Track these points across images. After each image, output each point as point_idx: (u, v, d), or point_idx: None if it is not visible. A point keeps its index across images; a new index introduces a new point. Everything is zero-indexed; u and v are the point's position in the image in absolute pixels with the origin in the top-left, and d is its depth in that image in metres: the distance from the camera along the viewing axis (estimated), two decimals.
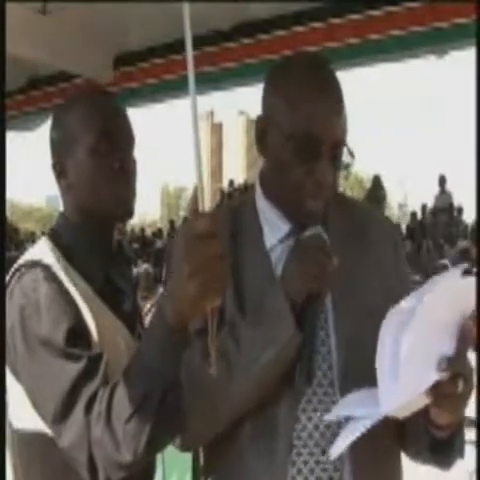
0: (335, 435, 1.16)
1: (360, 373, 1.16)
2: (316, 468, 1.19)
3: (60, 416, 1.13)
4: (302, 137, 1.18)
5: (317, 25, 4.01)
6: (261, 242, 1.27)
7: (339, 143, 1.21)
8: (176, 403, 1.08)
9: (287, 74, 1.25)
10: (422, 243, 11.69)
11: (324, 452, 1.18)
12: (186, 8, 0.96)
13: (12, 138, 6.84)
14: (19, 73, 5.16)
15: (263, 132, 1.25)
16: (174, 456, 2.98)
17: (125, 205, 1.36)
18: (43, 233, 1.50)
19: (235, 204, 1.40)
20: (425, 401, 1.03)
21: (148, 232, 18.83)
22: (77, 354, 1.16)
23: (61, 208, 1.42)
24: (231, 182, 15.99)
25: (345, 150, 1.24)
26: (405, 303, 1.04)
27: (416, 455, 1.28)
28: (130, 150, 1.38)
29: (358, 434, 1.03)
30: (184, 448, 1.26)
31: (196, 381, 1.13)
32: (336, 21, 3.96)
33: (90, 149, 1.32)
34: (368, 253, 1.29)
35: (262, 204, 1.30)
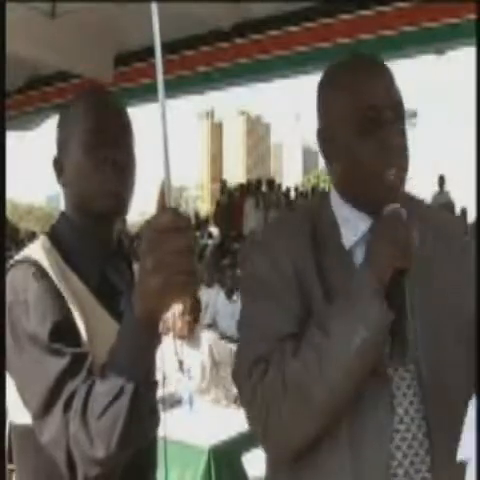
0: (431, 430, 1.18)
1: (439, 374, 1.18)
2: (410, 469, 1.19)
3: (42, 412, 1.15)
4: (362, 114, 1.21)
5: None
6: (340, 244, 1.27)
7: (395, 105, 1.24)
8: (149, 399, 1.10)
9: (334, 72, 1.30)
10: None
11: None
12: (154, 8, 0.97)
13: (12, 138, 6.83)
14: (19, 73, 5.16)
15: (327, 138, 1.28)
16: (175, 453, 2.98)
17: (116, 200, 1.35)
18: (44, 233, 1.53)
19: (311, 206, 1.39)
20: None
21: None
22: (61, 351, 1.17)
23: (62, 207, 1.43)
24: (224, 183, 15.84)
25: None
26: None
27: None
28: (125, 145, 1.37)
29: None
30: (279, 455, 1.24)
31: (291, 383, 1.13)
32: (333, 21, 3.98)
33: (81, 144, 1.33)
34: (445, 253, 1.30)
35: (338, 206, 1.31)
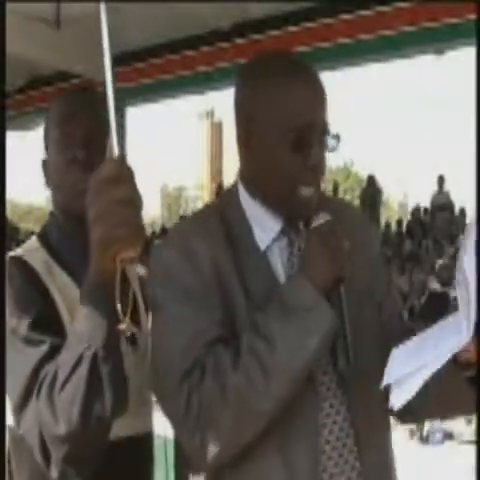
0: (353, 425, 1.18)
1: (361, 362, 1.18)
2: (339, 460, 1.19)
3: (21, 404, 1.12)
4: (298, 129, 1.18)
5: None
6: (254, 245, 1.24)
7: (326, 127, 1.22)
8: (111, 369, 1.03)
9: (265, 75, 1.23)
10: (422, 241, 11.70)
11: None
12: (103, 8, 0.97)
13: (12, 138, 6.84)
14: (19, 73, 5.16)
15: (249, 135, 1.24)
16: (175, 453, 2.98)
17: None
18: None
19: (220, 207, 1.32)
20: None
21: (148, 231, 18.85)
22: (40, 340, 1.16)
23: None
24: (220, 186, 15.85)
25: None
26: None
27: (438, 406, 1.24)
28: (96, 145, 1.33)
29: (423, 380, 1.01)
30: (212, 462, 1.14)
31: (234, 397, 1.08)
32: (333, 21, 3.99)
33: (54, 144, 1.34)
34: (352, 243, 1.24)
35: (249, 205, 1.27)
